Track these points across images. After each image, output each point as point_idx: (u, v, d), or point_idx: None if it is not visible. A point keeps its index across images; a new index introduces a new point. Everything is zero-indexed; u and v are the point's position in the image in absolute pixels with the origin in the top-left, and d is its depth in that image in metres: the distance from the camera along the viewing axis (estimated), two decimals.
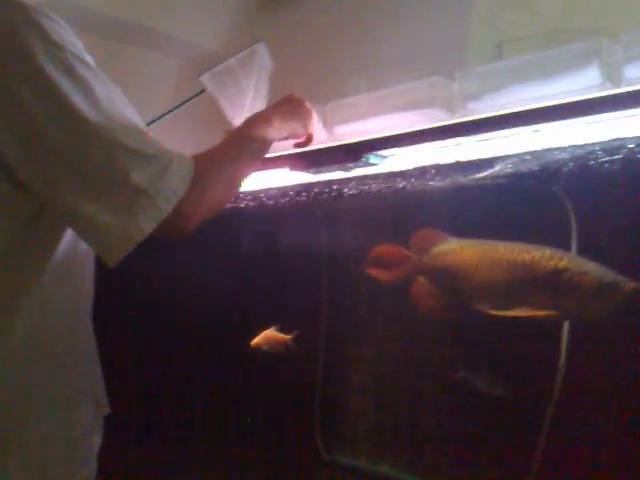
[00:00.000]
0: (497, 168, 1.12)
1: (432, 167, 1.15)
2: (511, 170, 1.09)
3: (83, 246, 0.88)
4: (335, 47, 1.74)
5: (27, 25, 0.76)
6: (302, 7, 1.94)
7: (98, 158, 0.76)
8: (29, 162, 0.76)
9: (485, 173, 1.12)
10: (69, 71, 0.76)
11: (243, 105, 1.37)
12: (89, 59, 0.81)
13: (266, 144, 1.01)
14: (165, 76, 2.06)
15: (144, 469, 1.31)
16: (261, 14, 2.09)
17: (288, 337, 1.33)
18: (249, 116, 1.06)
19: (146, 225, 0.76)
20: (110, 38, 1.89)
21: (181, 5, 1.96)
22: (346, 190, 1.17)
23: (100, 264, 0.86)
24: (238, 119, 1.33)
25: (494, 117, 0.95)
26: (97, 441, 0.94)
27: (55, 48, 0.76)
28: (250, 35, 2.05)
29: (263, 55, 1.42)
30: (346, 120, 1.33)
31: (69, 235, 0.85)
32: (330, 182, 1.21)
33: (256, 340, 1.34)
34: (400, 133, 1.02)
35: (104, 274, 0.92)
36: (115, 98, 0.80)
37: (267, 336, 1.34)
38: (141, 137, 0.79)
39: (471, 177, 1.03)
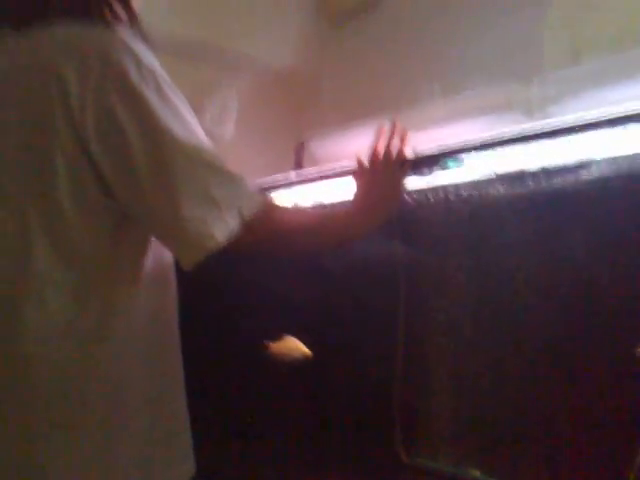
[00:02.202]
0: (590, 171, 1.08)
1: (524, 172, 1.11)
2: (603, 174, 1.06)
3: (167, 256, 0.93)
4: (408, 54, 1.75)
5: (123, 50, 0.82)
6: (372, 17, 1.96)
7: (183, 171, 0.82)
8: (120, 172, 0.82)
9: (576, 177, 1.09)
10: (159, 92, 0.83)
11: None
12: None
13: (348, 241, 1.05)
14: (235, 92, 2.12)
15: (226, 469, 1.35)
16: (331, 27, 2.12)
17: (307, 352, 1.30)
18: (353, 204, 1.07)
19: (219, 236, 0.82)
20: (179, 56, 1.96)
21: (250, 23, 2.01)
22: (430, 198, 1.16)
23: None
24: None
25: (582, 120, 0.94)
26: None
27: (147, 71, 0.83)
28: (320, 48, 2.09)
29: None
30: (421, 127, 1.34)
31: (154, 246, 0.91)
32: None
33: (276, 346, 1.32)
34: (481, 138, 1.02)
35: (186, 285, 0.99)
36: (193, 119, 0.87)
37: (287, 344, 1.32)
38: (218, 156, 0.85)
39: (562, 182, 1.02)
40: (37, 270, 0.81)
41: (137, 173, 0.81)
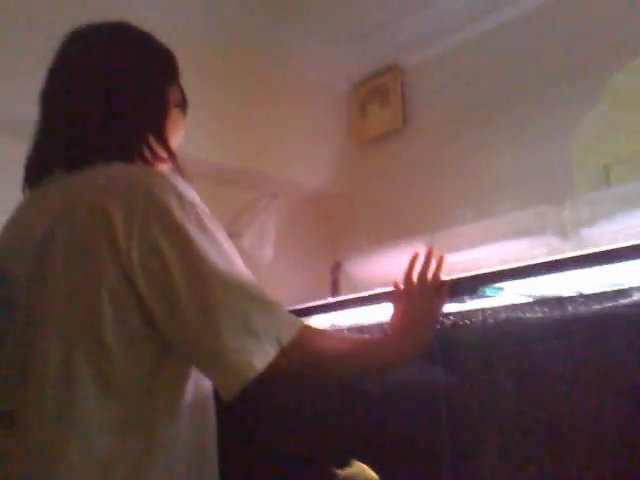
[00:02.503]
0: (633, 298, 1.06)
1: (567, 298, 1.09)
2: None
3: (206, 386, 0.94)
4: (440, 177, 1.80)
5: (164, 186, 0.87)
6: (404, 140, 2.04)
7: (224, 303, 0.84)
8: (163, 304, 0.84)
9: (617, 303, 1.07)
10: (201, 225, 0.87)
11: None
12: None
13: (385, 368, 1.06)
14: (273, 216, 2.18)
15: None
16: (362, 152, 2.22)
17: (375, 477, 1.26)
18: (390, 329, 1.08)
19: (258, 365, 0.83)
20: (219, 183, 2.04)
21: (286, 149, 2.12)
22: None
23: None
24: None
25: (617, 248, 0.93)
26: None
27: (188, 205, 0.87)
28: (353, 171, 2.18)
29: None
30: (454, 249, 1.36)
31: (193, 377, 0.92)
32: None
33: (344, 473, 1.29)
34: (520, 265, 1.02)
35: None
36: (232, 248, 0.90)
37: (355, 469, 1.28)
38: (256, 285, 0.87)
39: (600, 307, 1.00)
40: (82, 411, 0.81)
41: (179, 305, 0.83)
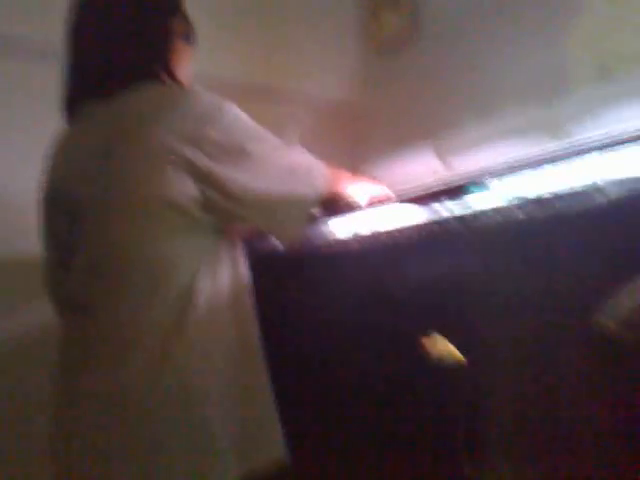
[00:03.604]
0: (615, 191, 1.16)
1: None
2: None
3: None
4: (445, 83, 1.87)
5: (202, 97, 1.05)
6: (415, 49, 2.09)
7: (282, 165, 1.07)
8: (217, 192, 1.02)
9: (600, 199, 1.17)
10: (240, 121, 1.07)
11: None
12: None
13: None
14: (289, 127, 2.28)
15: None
16: (378, 59, 2.27)
17: (461, 358, 1.27)
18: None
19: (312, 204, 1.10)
20: (240, 100, 2.13)
21: (301, 62, 2.19)
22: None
23: None
24: None
25: (602, 141, 1.02)
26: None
27: (219, 102, 1.06)
28: (367, 80, 2.25)
29: None
30: (458, 150, 1.47)
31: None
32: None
33: (429, 343, 1.30)
34: (504, 163, 1.14)
35: None
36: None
37: (439, 346, 1.30)
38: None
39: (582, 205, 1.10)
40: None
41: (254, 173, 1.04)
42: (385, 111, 2.11)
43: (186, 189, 0.99)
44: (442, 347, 1.27)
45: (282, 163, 1.07)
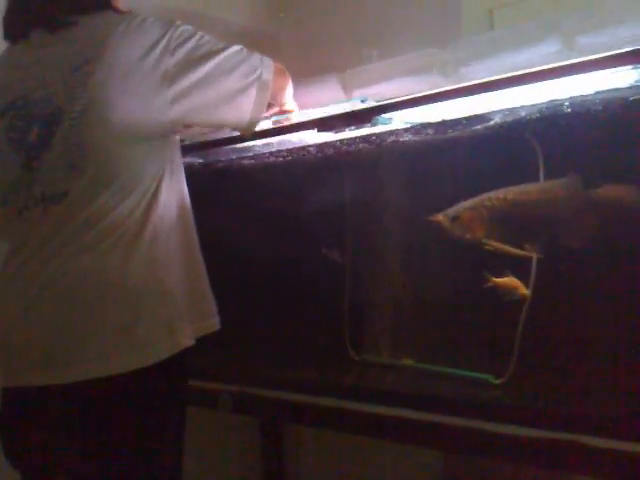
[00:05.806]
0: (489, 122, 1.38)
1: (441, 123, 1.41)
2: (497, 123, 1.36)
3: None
4: (352, 18, 1.98)
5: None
6: None
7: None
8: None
9: (477, 127, 1.39)
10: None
11: None
12: None
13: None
14: None
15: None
16: None
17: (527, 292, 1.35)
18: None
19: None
20: None
21: None
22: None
23: None
24: None
25: (480, 83, 1.22)
26: None
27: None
28: (276, 10, 2.30)
29: None
30: (362, 85, 1.61)
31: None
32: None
33: (499, 281, 1.37)
34: (402, 99, 1.31)
35: None
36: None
37: (508, 283, 1.36)
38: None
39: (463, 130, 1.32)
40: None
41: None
42: (294, 41, 2.19)
43: (162, 103, 1.13)
44: (510, 284, 1.36)
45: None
